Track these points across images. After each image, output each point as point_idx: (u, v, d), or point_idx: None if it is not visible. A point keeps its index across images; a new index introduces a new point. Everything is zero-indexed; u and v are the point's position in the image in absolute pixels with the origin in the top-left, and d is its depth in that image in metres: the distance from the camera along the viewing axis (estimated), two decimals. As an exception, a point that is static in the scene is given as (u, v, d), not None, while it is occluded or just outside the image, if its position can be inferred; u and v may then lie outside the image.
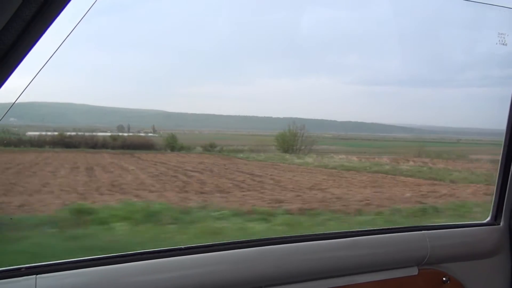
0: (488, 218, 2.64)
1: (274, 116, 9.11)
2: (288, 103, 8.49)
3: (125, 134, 8.36)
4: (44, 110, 8.02)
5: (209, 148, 8.70)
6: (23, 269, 1.62)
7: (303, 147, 8.80)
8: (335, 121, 9.28)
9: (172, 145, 8.41)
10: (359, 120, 9.56)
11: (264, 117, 9.16)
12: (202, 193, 6.73)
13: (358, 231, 2.28)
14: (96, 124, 8.25)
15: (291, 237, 2.14)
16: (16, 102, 1.41)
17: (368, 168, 8.63)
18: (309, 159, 8.81)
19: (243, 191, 6.95)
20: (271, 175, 8.01)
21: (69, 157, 7.63)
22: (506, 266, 2.61)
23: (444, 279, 2.37)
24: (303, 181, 7.79)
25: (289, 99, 8.45)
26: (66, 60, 5.04)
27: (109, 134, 8.23)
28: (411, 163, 8.97)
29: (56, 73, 5.43)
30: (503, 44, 2.57)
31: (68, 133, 7.85)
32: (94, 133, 8.06)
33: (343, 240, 2.19)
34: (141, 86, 7.33)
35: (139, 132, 8.58)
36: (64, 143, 7.67)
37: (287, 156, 8.72)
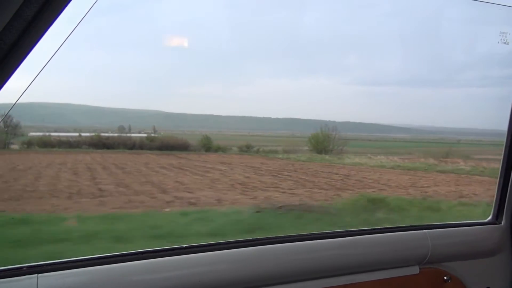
0: (490, 217, 2.63)
1: (273, 116, 9.13)
2: (288, 104, 8.51)
3: (154, 135, 8.55)
4: (43, 110, 8.03)
5: (245, 149, 9.00)
6: (24, 268, 1.61)
7: (335, 148, 9.09)
8: (334, 122, 9.30)
9: (208, 146, 8.54)
10: (358, 121, 9.58)
11: (264, 117, 9.18)
12: (326, 190, 7.26)
13: (359, 230, 2.27)
14: (95, 124, 8.26)
15: (291, 236, 2.13)
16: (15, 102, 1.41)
17: (426, 168, 8.82)
18: (355, 159, 9.10)
19: (362, 188, 7.45)
20: (354, 175, 8.41)
21: (123, 158, 7.93)
22: (507, 265, 2.61)
23: (445, 278, 2.37)
24: (396, 180, 8.11)
25: (288, 99, 8.47)
26: (65, 61, 5.04)
27: (144, 135, 8.44)
28: (461, 163, 9.02)
29: (55, 74, 5.43)
30: (505, 43, 2.56)
31: (105, 135, 8.01)
32: (128, 134, 8.25)
33: (344, 239, 2.18)
34: (141, 86, 7.35)
35: (139, 132, 8.60)
36: (103, 144, 7.84)
37: (327, 157, 9.03)
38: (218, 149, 8.73)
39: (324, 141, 8.94)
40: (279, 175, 7.93)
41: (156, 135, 8.66)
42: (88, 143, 7.88)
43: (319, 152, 9.03)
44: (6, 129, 7.10)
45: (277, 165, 8.64)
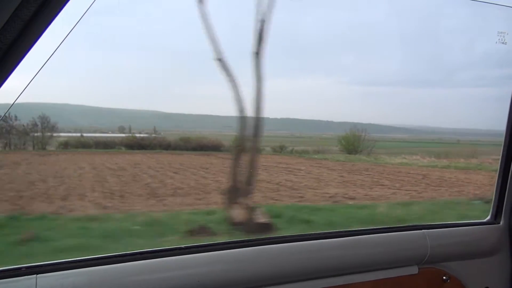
0: (488, 217, 2.64)
1: (271, 116, 9.13)
2: (286, 103, 8.51)
3: (155, 135, 8.63)
4: (41, 111, 8.01)
5: (279, 149, 9.18)
6: (23, 269, 1.61)
7: (364, 149, 9.25)
8: (332, 122, 9.31)
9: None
10: (356, 121, 9.59)
11: (262, 117, 9.16)
12: (438, 187, 7.63)
13: (358, 230, 2.27)
14: (94, 125, 8.25)
15: (289, 236, 2.14)
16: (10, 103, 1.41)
17: (479, 168, 8.96)
18: (396, 160, 9.27)
19: (457, 187, 7.69)
20: (426, 174, 8.53)
21: (176, 158, 8.03)
22: (506, 265, 2.61)
23: (444, 278, 2.37)
24: (475, 179, 8.27)
25: (287, 99, 8.46)
26: (63, 61, 5.02)
27: (145, 135, 8.50)
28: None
29: (53, 74, 5.42)
30: (503, 42, 2.56)
31: (139, 135, 8.08)
32: (161, 135, 8.32)
33: (342, 239, 2.18)
34: (139, 86, 7.33)
35: (139, 133, 8.61)
36: (140, 145, 7.93)
37: (363, 157, 9.16)
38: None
39: (354, 141, 9.08)
40: (362, 175, 8.03)
41: (157, 135, 8.66)
42: (125, 144, 7.96)
43: (349, 152, 9.17)
44: (43, 130, 7.20)
45: (335, 165, 8.71)
